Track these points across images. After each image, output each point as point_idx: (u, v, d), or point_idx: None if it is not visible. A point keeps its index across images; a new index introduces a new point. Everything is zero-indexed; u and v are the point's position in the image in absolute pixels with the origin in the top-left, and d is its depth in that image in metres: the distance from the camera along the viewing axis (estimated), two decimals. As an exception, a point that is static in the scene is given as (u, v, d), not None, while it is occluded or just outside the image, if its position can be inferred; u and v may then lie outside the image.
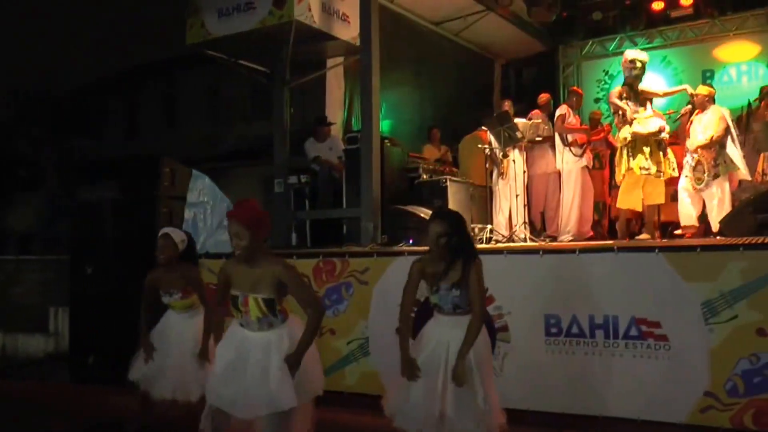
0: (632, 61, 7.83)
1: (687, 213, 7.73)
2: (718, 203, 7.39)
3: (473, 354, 3.90)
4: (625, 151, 7.71)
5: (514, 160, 8.48)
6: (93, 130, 22.96)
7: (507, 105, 9.21)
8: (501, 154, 8.56)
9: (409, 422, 3.97)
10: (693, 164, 7.59)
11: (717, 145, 7.42)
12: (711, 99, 7.76)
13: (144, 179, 7.62)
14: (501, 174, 8.66)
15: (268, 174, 15.49)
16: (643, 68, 7.87)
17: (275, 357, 3.80)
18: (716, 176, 7.41)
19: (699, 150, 7.51)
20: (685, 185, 7.73)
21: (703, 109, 7.67)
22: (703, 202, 7.64)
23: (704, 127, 7.54)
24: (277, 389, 3.74)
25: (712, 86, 8.29)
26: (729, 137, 7.45)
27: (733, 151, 7.41)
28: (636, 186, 7.77)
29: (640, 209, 7.99)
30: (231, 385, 3.82)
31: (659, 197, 7.84)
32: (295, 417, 3.88)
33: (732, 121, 7.70)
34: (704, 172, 7.46)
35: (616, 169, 7.99)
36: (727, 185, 7.46)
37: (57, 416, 6.37)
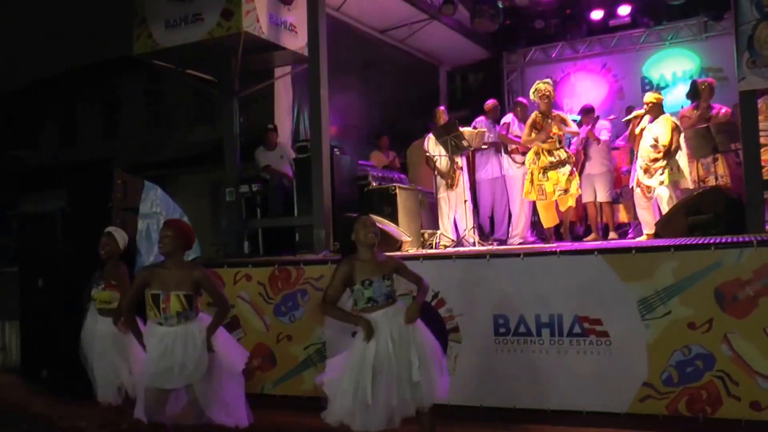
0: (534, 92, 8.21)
1: (647, 222, 7.91)
2: (667, 205, 7.56)
3: (421, 343, 4.23)
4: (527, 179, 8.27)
5: (462, 168, 8.74)
6: (29, 136, 22.28)
7: (441, 112, 9.33)
8: (447, 162, 8.77)
9: (369, 422, 4.12)
10: (643, 169, 7.75)
11: (666, 152, 7.57)
12: (660, 107, 7.85)
13: (94, 190, 7.57)
14: (449, 185, 8.82)
15: (214, 180, 15.50)
16: (542, 96, 8.15)
17: (196, 340, 4.55)
18: (661, 183, 7.59)
19: (647, 156, 7.68)
20: (638, 197, 7.92)
21: (654, 116, 7.78)
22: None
23: (656, 135, 7.65)
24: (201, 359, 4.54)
25: (660, 93, 8.36)
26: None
27: (683, 160, 7.65)
28: (549, 206, 8.26)
29: (557, 222, 8.45)
30: (165, 364, 4.49)
31: (566, 204, 8.25)
32: (221, 384, 4.68)
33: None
34: (651, 177, 7.66)
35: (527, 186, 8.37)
36: (671, 190, 7.63)
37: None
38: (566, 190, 8.00)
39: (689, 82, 11.12)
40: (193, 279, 4.60)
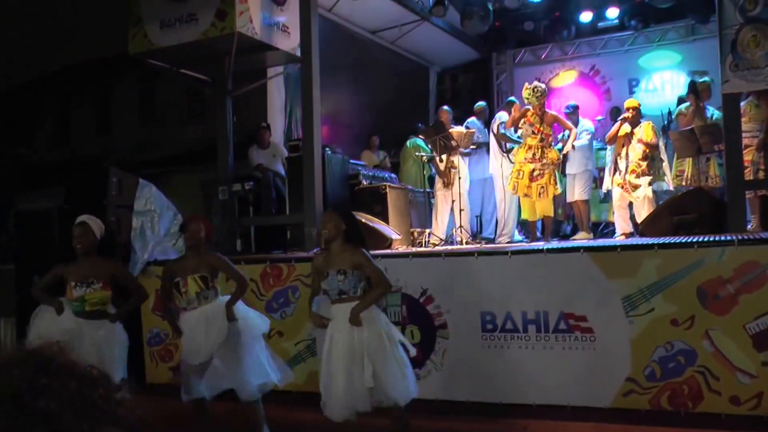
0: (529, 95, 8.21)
1: (623, 222, 8.15)
2: (646, 206, 7.82)
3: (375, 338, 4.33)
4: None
5: (457, 168, 8.84)
6: (25, 134, 22.29)
7: (443, 113, 9.44)
8: (441, 162, 8.86)
9: (334, 412, 4.38)
10: (623, 170, 7.95)
11: (651, 156, 7.87)
12: (640, 111, 8.17)
13: (90, 188, 7.66)
14: (445, 183, 8.89)
15: (207, 178, 15.46)
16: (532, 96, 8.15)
17: (217, 315, 4.89)
18: (649, 183, 7.83)
19: (635, 158, 7.91)
20: (618, 197, 8.13)
21: (635, 120, 8.03)
22: (631, 206, 8.13)
23: (641, 138, 7.91)
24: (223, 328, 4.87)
25: (636, 99, 8.66)
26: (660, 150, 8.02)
27: (665, 163, 7.97)
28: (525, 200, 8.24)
29: (533, 218, 8.35)
30: (193, 343, 4.92)
31: (548, 211, 8.25)
32: (246, 348, 4.96)
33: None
34: (637, 177, 7.85)
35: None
36: (651, 191, 7.91)
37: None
38: (527, 195, 8.02)
39: (678, 82, 11.33)
40: (209, 263, 4.97)
